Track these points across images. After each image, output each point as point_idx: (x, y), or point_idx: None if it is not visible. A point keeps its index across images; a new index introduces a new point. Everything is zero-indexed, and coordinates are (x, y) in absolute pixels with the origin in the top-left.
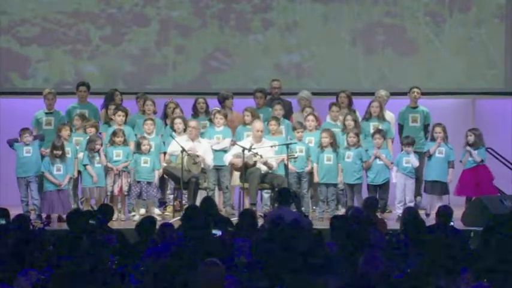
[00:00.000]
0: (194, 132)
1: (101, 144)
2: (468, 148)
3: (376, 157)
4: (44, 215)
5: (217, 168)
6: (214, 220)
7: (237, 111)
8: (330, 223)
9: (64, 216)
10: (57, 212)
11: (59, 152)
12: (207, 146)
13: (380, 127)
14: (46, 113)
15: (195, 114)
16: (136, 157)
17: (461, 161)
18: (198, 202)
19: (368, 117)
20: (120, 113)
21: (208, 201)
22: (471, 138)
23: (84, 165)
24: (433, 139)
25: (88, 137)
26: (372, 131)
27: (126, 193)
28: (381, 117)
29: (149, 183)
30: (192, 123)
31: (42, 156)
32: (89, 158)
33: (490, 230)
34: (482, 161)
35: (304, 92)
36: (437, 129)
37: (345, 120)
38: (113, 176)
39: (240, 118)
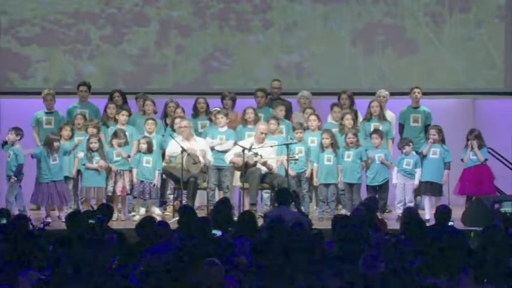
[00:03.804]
0: (187, 131)
1: (99, 144)
2: (474, 149)
3: (379, 160)
4: (42, 210)
5: (219, 168)
6: (228, 222)
7: (237, 111)
8: (332, 223)
9: (64, 207)
10: (56, 204)
11: (58, 144)
12: (204, 144)
13: (381, 127)
14: (46, 113)
15: (196, 114)
16: (139, 156)
17: (462, 160)
18: (197, 202)
19: (369, 117)
20: (124, 112)
21: (225, 202)
22: (475, 142)
23: (84, 165)
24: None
25: (88, 137)
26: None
27: (128, 192)
28: (381, 117)
29: (151, 183)
30: (183, 122)
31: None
32: (88, 158)
33: (490, 230)
34: (486, 160)
35: (304, 92)
36: (432, 131)
37: (344, 119)
38: (113, 176)
39: (240, 118)
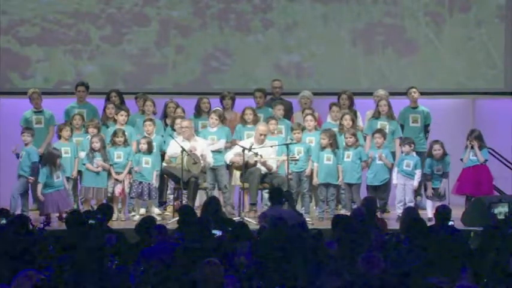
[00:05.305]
0: (188, 132)
1: (101, 144)
2: (474, 150)
3: (379, 158)
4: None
5: (213, 168)
6: (216, 220)
7: (236, 111)
8: (332, 223)
9: (64, 215)
10: (63, 208)
11: (60, 160)
12: (204, 144)
13: (388, 126)
14: (35, 112)
15: (198, 114)
16: (138, 157)
17: (461, 159)
18: (197, 202)
19: (377, 115)
20: (122, 112)
21: (213, 201)
22: (475, 143)
23: (84, 165)
24: (430, 155)
25: (90, 137)
26: None
27: (128, 194)
28: (390, 116)
29: (150, 183)
30: (184, 123)
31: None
32: (89, 158)
33: (489, 230)
34: (485, 161)
35: (305, 92)
36: (436, 146)
37: (343, 119)
38: (112, 178)
39: (239, 118)
